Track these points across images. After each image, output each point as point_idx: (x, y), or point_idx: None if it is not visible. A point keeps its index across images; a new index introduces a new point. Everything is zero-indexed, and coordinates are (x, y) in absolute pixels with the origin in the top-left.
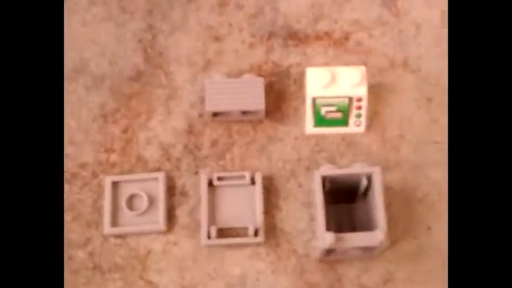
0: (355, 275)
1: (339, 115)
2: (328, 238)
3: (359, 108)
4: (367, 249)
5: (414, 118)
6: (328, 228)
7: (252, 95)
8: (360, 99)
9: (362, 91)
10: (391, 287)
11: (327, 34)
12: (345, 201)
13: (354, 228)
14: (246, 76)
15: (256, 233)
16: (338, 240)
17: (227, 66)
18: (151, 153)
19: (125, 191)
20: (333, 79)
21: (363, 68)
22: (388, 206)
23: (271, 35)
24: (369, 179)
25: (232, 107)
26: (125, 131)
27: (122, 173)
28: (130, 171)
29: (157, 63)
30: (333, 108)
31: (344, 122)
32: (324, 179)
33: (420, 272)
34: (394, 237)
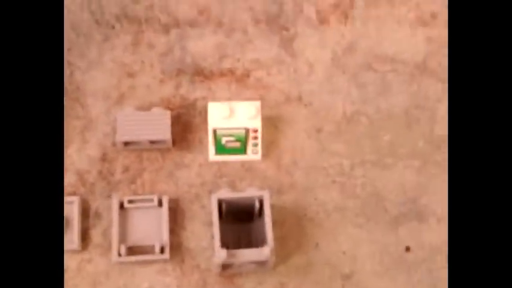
0: (251, 286)
1: (237, 144)
2: (221, 254)
3: (255, 138)
4: (260, 264)
5: (305, 147)
6: (226, 245)
7: (159, 126)
8: (255, 130)
9: (257, 123)
10: None
11: (230, 71)
12: (244, 220)
13: (250, 244)
14: (155, 109)
15: (162, 250)
16: (231, 255)
17: (139, 100)
18: (68, 179)
19: None
20: (232, 112)
21: (258, 103)
22: (282, 224)
23: (179, 72)
24: (261, 201)
25: (142, 137)
26: None
27: None
28: None
29: (75, 97)
30: (232, 138)
31: (242, 150)
32: (221, 202)
33: (309, 283)
34: (286, 252)
